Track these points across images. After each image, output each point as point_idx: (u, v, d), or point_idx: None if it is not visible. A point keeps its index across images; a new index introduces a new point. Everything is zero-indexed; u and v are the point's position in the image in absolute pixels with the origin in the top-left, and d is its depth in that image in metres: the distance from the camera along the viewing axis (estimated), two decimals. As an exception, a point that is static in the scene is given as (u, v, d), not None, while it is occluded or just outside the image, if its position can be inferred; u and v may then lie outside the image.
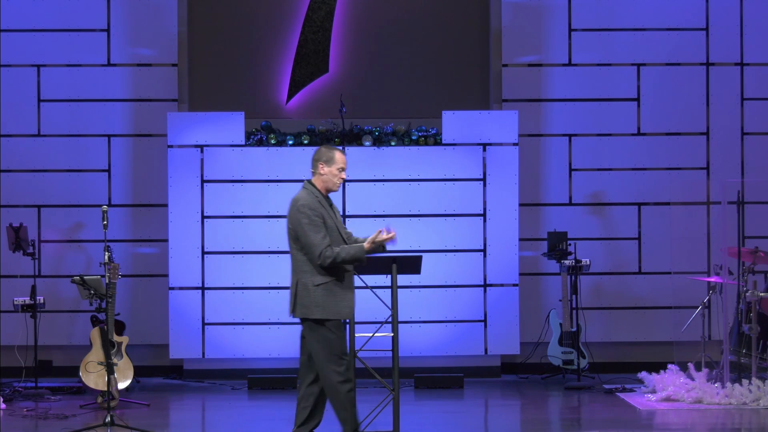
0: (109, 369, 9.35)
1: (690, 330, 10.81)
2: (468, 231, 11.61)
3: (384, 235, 7.86)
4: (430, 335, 11.60)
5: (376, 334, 8.35)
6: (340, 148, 8.11)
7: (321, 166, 7.97)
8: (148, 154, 12.07)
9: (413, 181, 11.62)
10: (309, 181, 8.05)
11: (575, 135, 12.23)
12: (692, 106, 12.23)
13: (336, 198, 11.60)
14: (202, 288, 11.59)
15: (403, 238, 11.59)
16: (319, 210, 7.89)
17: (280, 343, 11.57)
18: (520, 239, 11.76)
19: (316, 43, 12.29)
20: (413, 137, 11.77)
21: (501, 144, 11.69)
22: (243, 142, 11.64)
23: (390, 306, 8.25)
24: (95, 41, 12.11)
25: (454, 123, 11.68)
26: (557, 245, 11.63)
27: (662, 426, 9.37)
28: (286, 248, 11.61)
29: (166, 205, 11.76)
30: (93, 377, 10.29)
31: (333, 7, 12.30)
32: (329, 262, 7.79)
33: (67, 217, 12.02)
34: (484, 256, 11.62)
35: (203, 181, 11.61)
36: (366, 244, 7.85)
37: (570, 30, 12.23)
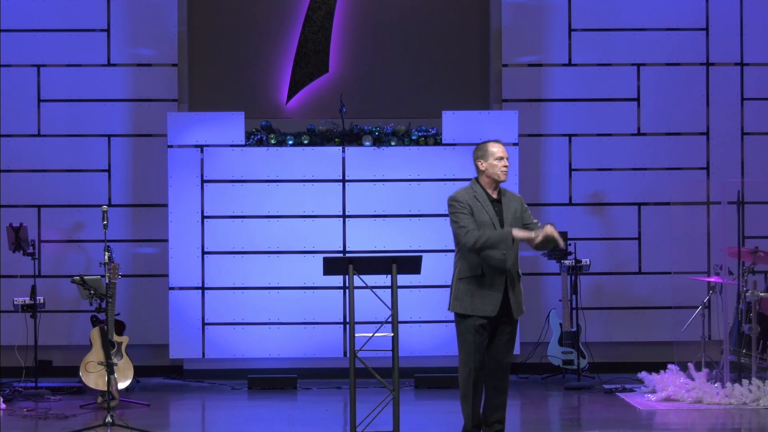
0: (109, 369, 9.35)
1: (690, 330, 10.81)
2: (468, 231, 11.60)
3: (551, 232, 7.74)
4: (430, 335, 11.60)
5: (376, 334, 8.35)
6: (496, 139, 8.09)
7: (480, 163, 8.05)
8: (148, 154, 12.07)
9: (413, 181, 11.62)
10: (475, 179, 8.11)
11: (575, 135, 12.23)
12: (692, 106, 12.23)
13: (336, 198, 11.61)
14: (202, 288, 11.59)
15: (403, 238, 11.62)
16: (466, 201, 7.94)
17: (280, 343, 11.57)
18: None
19: (316, 43, 12.29)
20: (413, 137, 11.77)
21: (501, 144, 11.67)
22: (243, 142, 11.64)
23: (390, 306, 8.25)
24: (95, 41, 12.11)
25: (454, 123, 11.68)
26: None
27: (662, 426, 9.37)
28: (287, 248, 11.73)
29: (166, 205, 11.75)
30: (93, 377, 10.29)
31: (333, 7, 12.30)
32: (472, 241, 7.76)
33: (67, 217, 12.02)
34: (484, 256, 11.61)
35: (203, 181, 11.61)
36: (518, 232, 7.80)
37: (570, 30, 12.23)
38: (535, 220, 8.02)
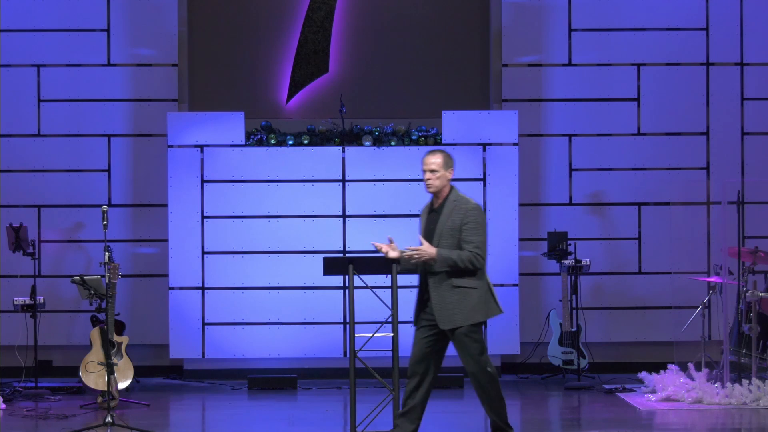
0: (109, 369, 9.35)
1: (690, 330, 10.81)
2: (468, 231, 11.60)
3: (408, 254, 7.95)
4: (430, 335, 11.57)
5: (376, 334, 8.35)
6: (430, 150, 8.07)
7: None
8: (148, 154, 12.07)
9: (413, 181, 11.61)
10: None
11: (575, 135, 12.23)
12: (692, 106, 12.23)
13: (336, 198, 11.61)
14: (202, 288, 11.59)
15: (403, 238, 11.58)
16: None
17: (280, 343, 11.57)
18: (520, 239, 11.76)
19: (316, 43, 12.29)
20: (413, 137, 11.77)
21: (501, 144, 11.69)
22: (243, 142, 11.64)
23: (390, 306, 8.24)
24: (95, 41, 12.11)
25: (454, 123, 11.67)
26: (557, 245, 11.63)
27: (662, 426, 9.37)
28: (286, 248, 11.72)
29: (166, 205, 11.75)
30: (93, 377, 10.29)
31: (333, 7, 12.30)
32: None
33: (67, 217, 12.02)
34: (484, 256, 11.61)
35: (203, 181, 11.61)
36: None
37: (570, 30, 12.23)
38: (469, 241, 7.84)
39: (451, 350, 11.64)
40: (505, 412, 8.08)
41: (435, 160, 7.96)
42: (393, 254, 8.07)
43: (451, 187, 8.03)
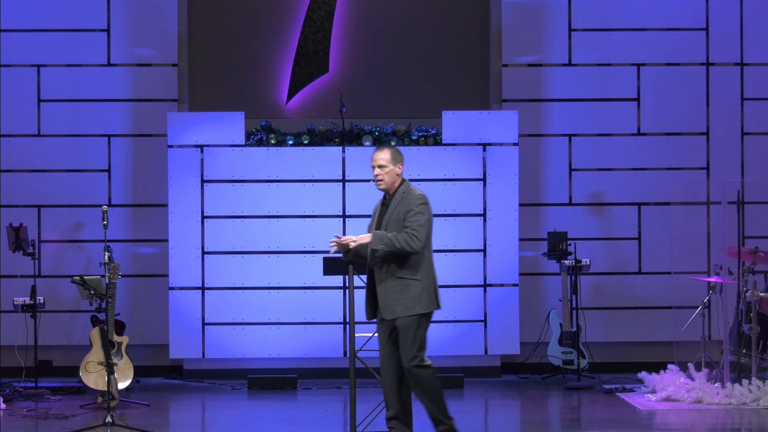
0: (109, 369, 9.35)
1: (690, 330, 10.81)
2: (468, 231, 11.62)
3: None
4: (430, 335, 11.56)
5: (376, 335, 8.35)
6: (378, 147, 8.07)
7: None
8: (148, 154, 12.07)
9: (413, 181, 11.57)
10: None
11: (575, 135, 12.23)
12: (692, 106, 12.23)
13: (336, 198, 11.62)
14: (202, 288, 11.59)
15: (403, 238, 11.60)
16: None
17: (280, 343, 11.57)
18: (520, 239, 11.76)
19: (316, 43, 12.29)
20: (413, 137, 11.77)
21: (501, 144, 11.69)
22: (243, 142, 11.64)
23: (390, 306, 8.23)
24: (95, 41, 12.11)
25: (454, 123, 11.68)
26: (557, 245, 11.64)
27: (662, 426, 9.37)
28: (286, 248, 11.72)
29: (166, 205, 11.76)
30: (93, 377, 10.29)
31: (333, 7, 12.30)
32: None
33: (67, 217, 12.02)
34: (484, 256, 11.62)
35: (203, 181, 11.61)
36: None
37: (570, 30, 12.23)
38: (407, 225, 7.83)
39: (450, 350, 11.68)
40: (444, 403, 8.05)
41: (383, 156, 7.96)
42: (353, 243, 8.00)
43: (403, 181, 8.03)
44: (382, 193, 8.09)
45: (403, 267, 7.87)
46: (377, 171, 7.96)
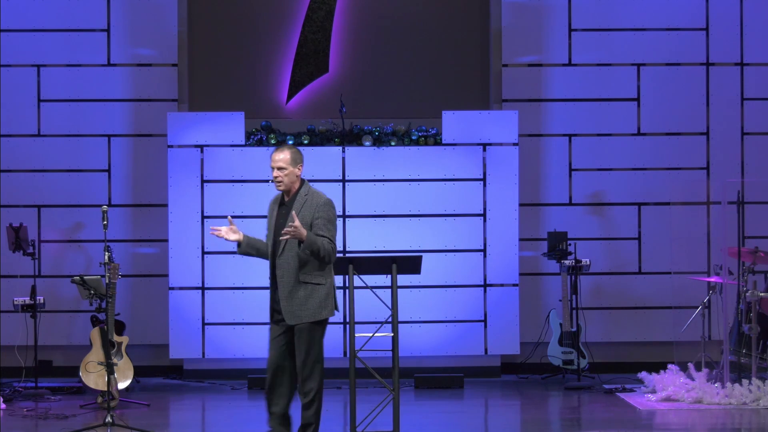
0: (109, 369, 9.35)
1: (690, 330, 10.81)
2: (468, 231, 11.61)
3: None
4: (430, 335, 11.60)
5: (376, 334, 8.35)
6: (277, 148, 7.98)
7: None
8: (148, 154, 12.07)
9: (413, 181, 11.62)
10: None
11: (575, 135, 12.23)
12: (692, 106, 12.23)
13: (336, 198, 11.61)
14: (202, 288, 11.59)
15: (403, 238, 11.61)
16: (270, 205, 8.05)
17: (280, 343, 11.55)
18: (520, 239, 11.76)
19: (316, 43, 12.29)
20: (413, 137, 11.77)
21: (501, 144, 11.69)
22: (243, 142, 11.64)
23: (390, 306, 8.25)
24: (95, 41, 12.11)
25: (454, 123, 11.68)
26: (557, 245, 11.64)
27: (662, 426, 9.37)
28: (286, 248, 11.70)
29: (166, 205, 11.76)
30: (93, 377, 10.29)
31: (333, 7, 12.30)
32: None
33: (67, 217, 12.02)
34: (484, 256, 11.62)
35: (203, 181, 11.61)
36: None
37: (570, 30, 12.23)
38: (323, 234, 7.75)
39: (450, 350, 11.68)
40: (320, 410, 8.12)
41: (282, 157, 7.85)
42: (233, 237, 8.01)
43: (303, 182, 7.94)
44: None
45: (311, 271, 7.79)
46: (276, 173, 7.84)
